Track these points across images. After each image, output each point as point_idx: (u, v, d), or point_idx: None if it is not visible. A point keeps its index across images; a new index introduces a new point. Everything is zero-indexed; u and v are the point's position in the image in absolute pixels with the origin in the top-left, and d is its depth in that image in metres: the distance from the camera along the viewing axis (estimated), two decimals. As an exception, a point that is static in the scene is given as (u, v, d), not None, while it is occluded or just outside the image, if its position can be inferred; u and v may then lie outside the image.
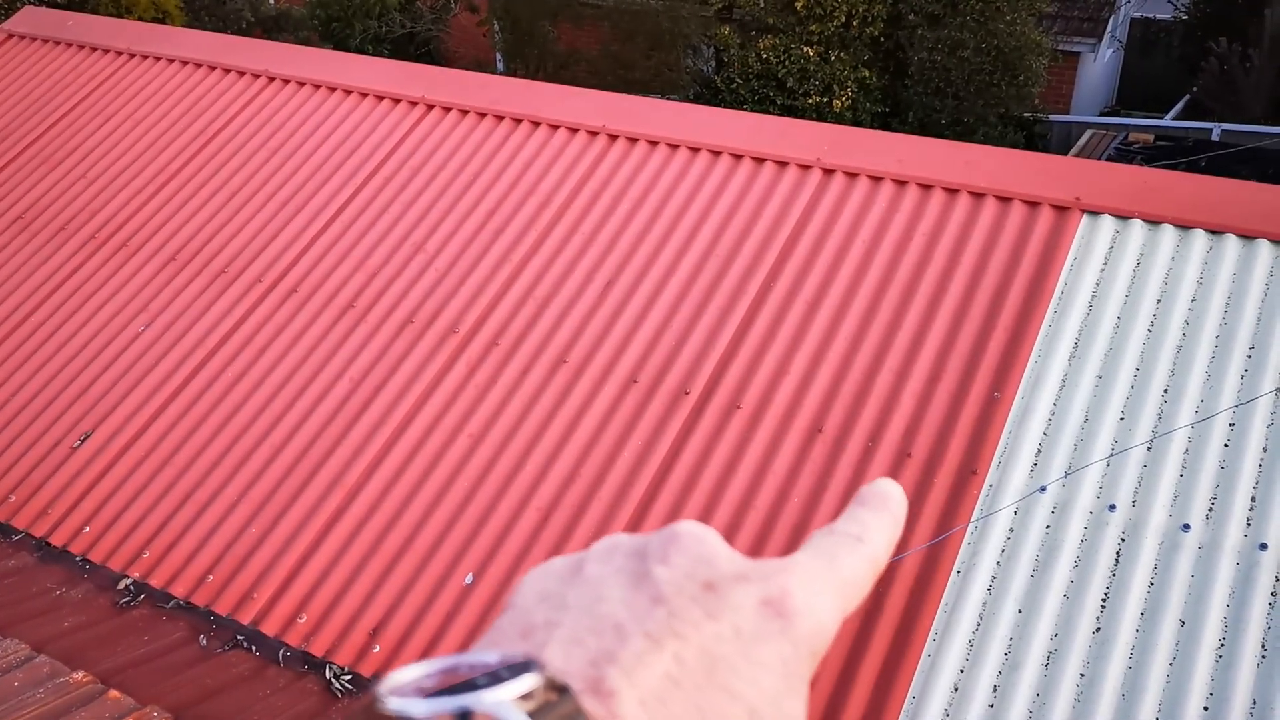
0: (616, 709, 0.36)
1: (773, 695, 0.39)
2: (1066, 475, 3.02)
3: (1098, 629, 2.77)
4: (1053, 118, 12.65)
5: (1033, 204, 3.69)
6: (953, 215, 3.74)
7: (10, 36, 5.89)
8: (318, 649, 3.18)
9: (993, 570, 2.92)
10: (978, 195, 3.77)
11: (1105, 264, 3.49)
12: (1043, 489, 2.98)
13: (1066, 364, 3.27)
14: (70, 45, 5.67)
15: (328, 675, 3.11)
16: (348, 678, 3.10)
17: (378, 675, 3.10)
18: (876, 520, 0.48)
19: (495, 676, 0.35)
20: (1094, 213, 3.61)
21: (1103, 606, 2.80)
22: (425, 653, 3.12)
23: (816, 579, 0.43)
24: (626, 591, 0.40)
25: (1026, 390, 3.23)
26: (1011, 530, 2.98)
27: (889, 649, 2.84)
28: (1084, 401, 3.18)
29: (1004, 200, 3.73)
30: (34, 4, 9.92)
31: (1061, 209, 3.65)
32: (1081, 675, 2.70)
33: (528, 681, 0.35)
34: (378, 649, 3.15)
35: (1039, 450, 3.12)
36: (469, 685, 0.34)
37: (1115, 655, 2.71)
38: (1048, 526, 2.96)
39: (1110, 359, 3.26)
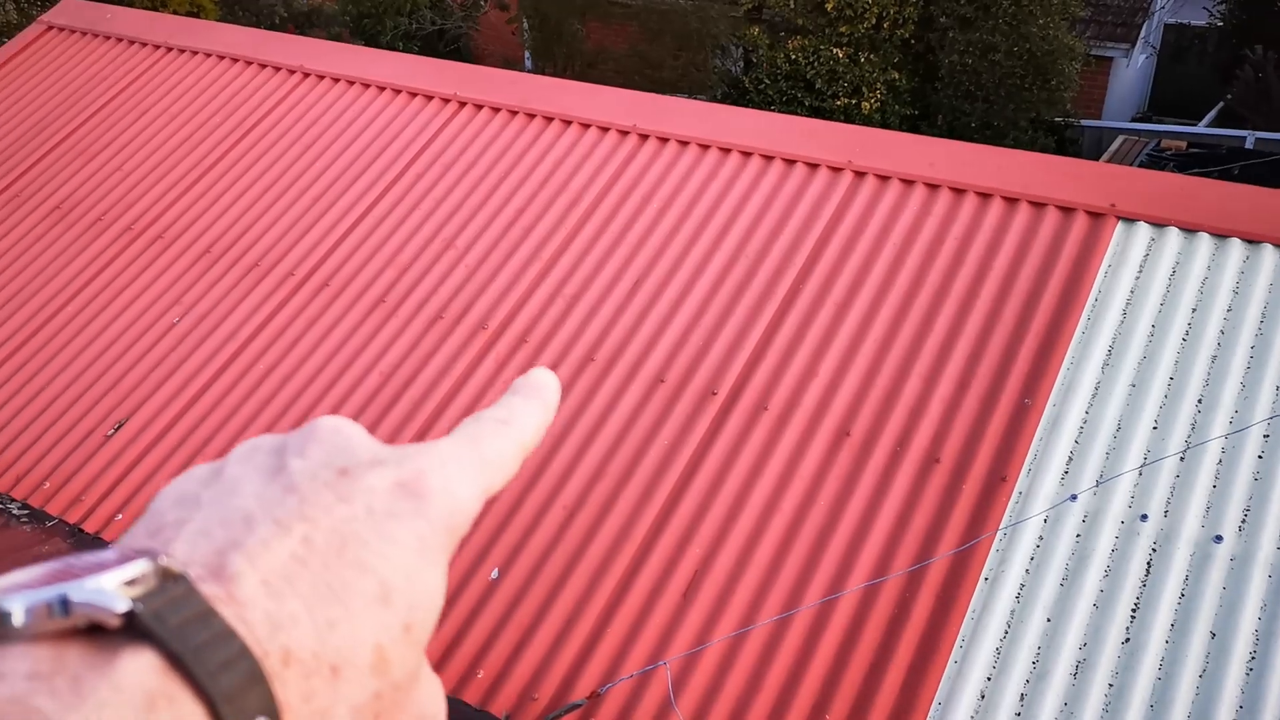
0: (236, 591, 0.36)
1: (407, 569, 0.40)
2: (1098, 484, 3.00)
3: (1127, 639, 2.75)
4: (1084, 123, 12.56)
5: (1067, 209, 3.67)
6: (985, 220, 3.73)
7: (50, 28, 5.96)
8: (344, 641, 3.20)
9: (1021, 578, 2.90)
10: (1011, 200, 3.75)
11: (1140, 271, 3.46)
12: (1074, 497, 2.96)
13: (1100, 371, 3.25)
14: (108, 38, 5.73)
15: (354, 667, 3.12)
16: (374, 670, 3.12)
17: (403, 668, 3.12)
18: (525, 406, 0.50)
19: (105, 568, 0.35)
20: (1129, 219, 3.59)
21: (1133, 617, 2.78)
22: (450, 647, 3.14)
23: (455, 460, 0.44)
24: (260, 485, 0.41)
25: (1058, 397, 3.21)
26: (1041, 538, 2.96)
27: (915, 655, 2.83)
28: (1117, 409, 3.16)
29: (1038, 205, 3.71)
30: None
31: (1096, 215, 3.63)
32: (1110, 685, 2.69)
33: (135, 568, 0.34)
34: (404, 642, 3.17)
35: (1070, 458, 3.10)
36: (76, 578, 0.34)
37: (1144, 666, 2.69)
38: (1078, 535, 2.95)
39: (1144, 367, 3.23)
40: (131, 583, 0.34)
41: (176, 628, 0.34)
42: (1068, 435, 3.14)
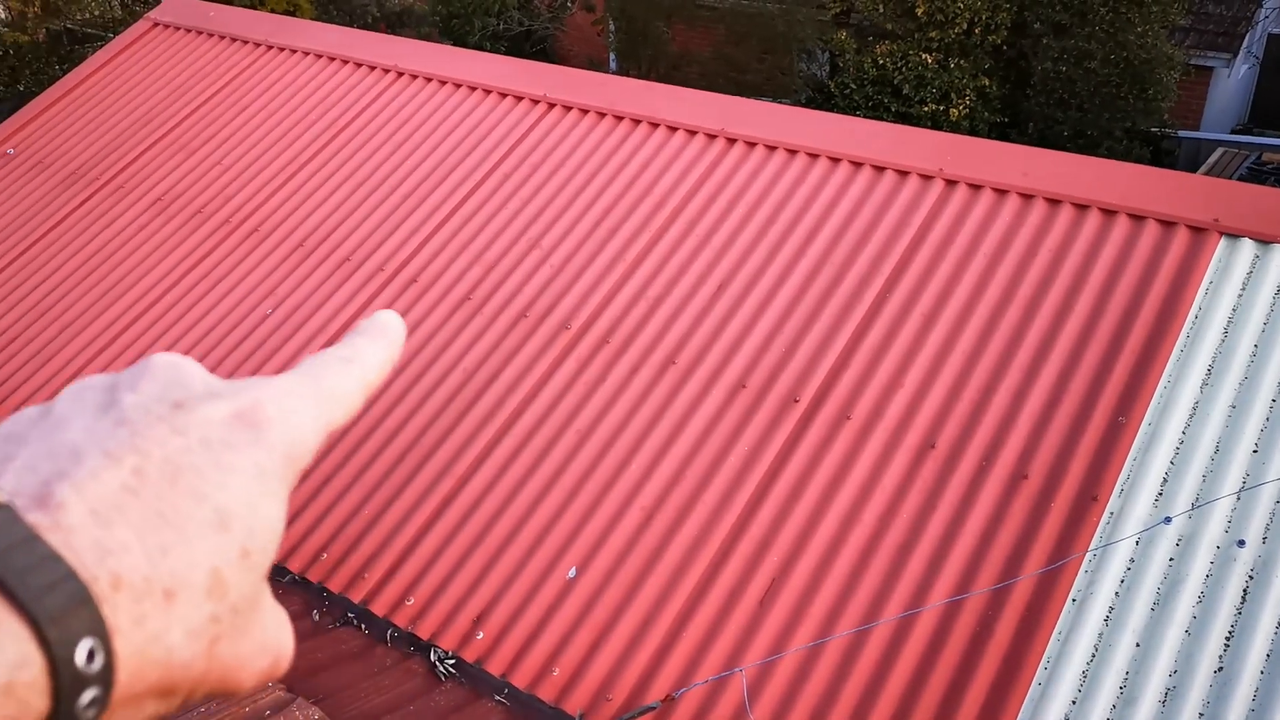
0: (63, 519, 0.36)
1: (245, 498, 0.40)
2: (1194, 507, 2.91)
3: (1220, 668, 2.67)
4: (1181, 134, 12.20)
5: (1168, 223, 3.56)
6: (1081, 232, 3.64)
7: (155, 25, 6.15)
8: (424, 631, 3.25)
9: (1111, 601, 2.83)
10: (1109, 212, 3.66)
11: (1243, 289, 3.35)
12: (1168, 520, 2.88)
13: (1198, 391, 3.15)
14: (210, 35, 5.90)
15: (432, 658, 3.17)
16: (451, 662, 3.16)
17: (480, 662, 3.16)
18: (369, 344, 0.50)
19: None
20: (1233, 235, 3.47)
21: (1226, 645, 2.70)
22: (527, 643, 3.17)
23: (293, 393, 0.44)
24: (90, 420, 0.40)
25: (1154, 417, 3.13)
26: (1132, 561, 2.88)
27: (997, 674, 2.78)
28: (1215, 431, 3.06)
29: (1137, 218, 3.61)
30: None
31: (1198, 230, 3.52)
32: (1200, 715, 2.61)
33: None
34: (481, 636, 3.21)
35: (1165, 480, 3.01)
36: None
37: (1237, 695, 2.60)
38: (1171, 559, 2.86)
39: (1245, 388, 3.13)
40: None
41: None
42: (1163, 456, 3.05)
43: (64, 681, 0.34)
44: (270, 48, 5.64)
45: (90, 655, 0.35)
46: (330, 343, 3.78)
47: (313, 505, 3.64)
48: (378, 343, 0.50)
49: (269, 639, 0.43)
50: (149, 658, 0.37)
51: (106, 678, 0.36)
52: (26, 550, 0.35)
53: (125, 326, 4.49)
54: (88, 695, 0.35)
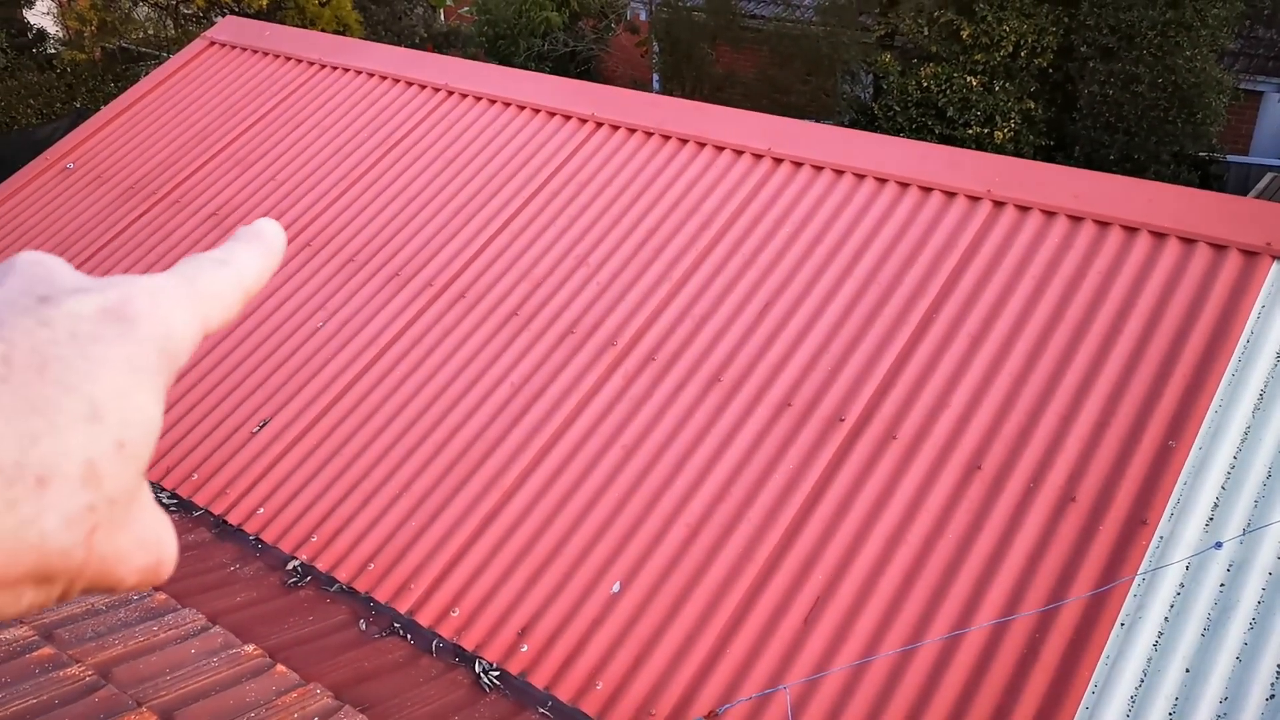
0: None
1: (116, 389, 0.40)
2: (1245, 532, 2.88)
3: (1272, 696, 2.63)
4: (1230, 158, 12.06)
5: (1219, 247, 3.54)
6: (1131, 254, 3.62)
7: (212, 44, 6.30)
8: (469, 643, 3.28)
9: (1160, 626, 2.80)
10: (1159, 235, 3.64)
11: (1297, 314, 3.32)
12: (1219, 545, 2.85)
13: (1250, 416, 3.12)
14: (266, 54, 6.03)
15: (477, 669, 3.20)
16: (496, 674, 3.19)
17: (524, 674, 3.18)
18: (245, 249, 0.50)
19: None
20: (1286, 260, 3.44)
21: (1279, 673, 2.66)
22: (571, 657, 3.19)
23: (165, 290, 0.44)
24: None
25: (1205, 440, 3.10)
26: (1182, 585, 2.86)
27: (1044, 698, 2.76)
28: (1267, 456, 3.03)
29: (1188, 242, 3.59)
30: (230, 15, 10.55)
31: (1250, 254, 3.49)
32: (1253, 743, 2.57)
33: None
34: (525, 648, 3.23)
35: (1215, 504, 2.98)
36: None
37: (1291, 726, 2.57)
38: (1222, 585, 2.83)
39: (1298, 414, 3.09)
40: None
41: None
42: (1214, 480, 3.02)
43: None
44: (323, 66, 5.75)
45: None
46: (379, 357, 3.83)
47: (361, 515, 3.70)
48: (253, 247, 0.51)
49: (148, 536, 0.43)
50: (24, 541, 0.37)
51: None
52: None
53: (180, 337, 4.58)
54: None
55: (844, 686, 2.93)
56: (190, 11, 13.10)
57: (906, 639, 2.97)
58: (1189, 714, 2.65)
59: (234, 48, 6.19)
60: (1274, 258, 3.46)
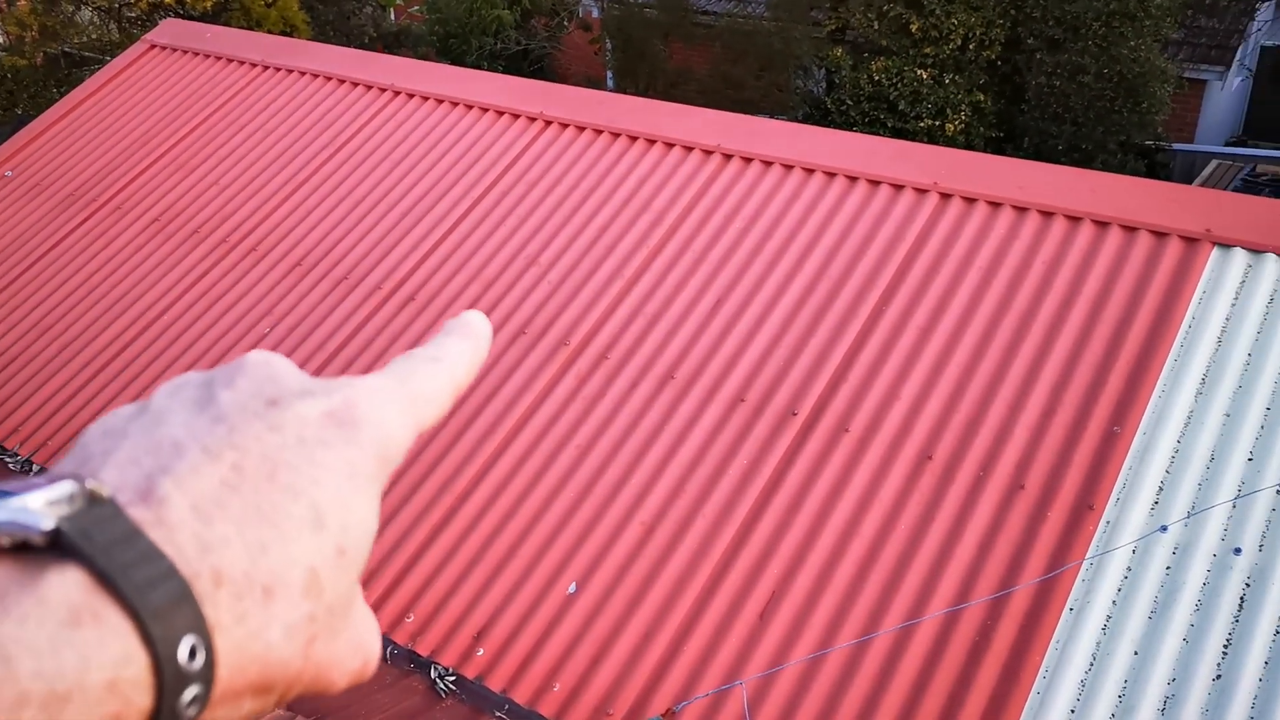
0: (166, 514, 0.36)
1: (339, 496, 0.40)
2: (1190, 516, 2.92)
3: (1218, 675, 2.67)
4: (1175, 147, 12.25)
5: (1160, 234, 3.59)
6: (1075, 243, 3.66)
7: (152, 47, 6.19)
8: (424, 648, 3.25)
9: (1108, 609, 2.84)
10: (1102, 224, 3.68)
11: (1236, 298, 3.37)
12: (1164, 529, 2.89)
13: (1193, 400, 3.17)
14: (208, 56, 5.94)
15: (432, 675, 3.17)
16: (452, 679, 3.16)
17: (481, 678, 3.16)
18: (456, 344, 0.50)
19: (32, 490, 0.34)
20: (1225, 245, 3.50)
21: (1224, 653, 2.70)
22: (527, 659, 3.17)
23: (384, 392, 0.45)
24: (189, 416, 0.40)
25: (1149, 426, 3.14)
26: (1129, 569, 2.89)
27: (996, 684, 2.78)
28: (1210, 440, 3.07)
29: (1130, 229, 3.64)
30: (174, 17, 10.40)
31: (1191, 240, 3.54)
32: (1200, 723, 2.61)
33: (61, 489, 0.34)
34: (481, 652, 3.21)
35: (1160, 488, 3.02)
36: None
37: (1236, 703, 2.61)
38: (1168, 568, 2.87)
39: (1239, 397, 3.14)
40: (59, 504, 0.34)
41: (103, 546, 0.34)
42: (1158, 465, 3.06)
43: (167, 678, 0.34)
44: (267, 68, 5.68)
45: (192, 652, 0.35)
46: (328, 362, 3.79)
47: (312, 522, 3.65)
48: (465, 342, 0.51)
49: (361, 639, 0.43)
50: (249, 654, 0.37)
51: (208, 675, 0.36)
52: (130, 546, 0.35)
53: (124, 345, 4.50)
54: (189, 692, 0.35)
55: (800, 680, 2.93)
56: (134, 15, 12.89)
57: (861, 630, 2.98)
58: (1138, 696, 2.68)
59: (175, 50, 6.09)
60: (1214, 244, 3.52)
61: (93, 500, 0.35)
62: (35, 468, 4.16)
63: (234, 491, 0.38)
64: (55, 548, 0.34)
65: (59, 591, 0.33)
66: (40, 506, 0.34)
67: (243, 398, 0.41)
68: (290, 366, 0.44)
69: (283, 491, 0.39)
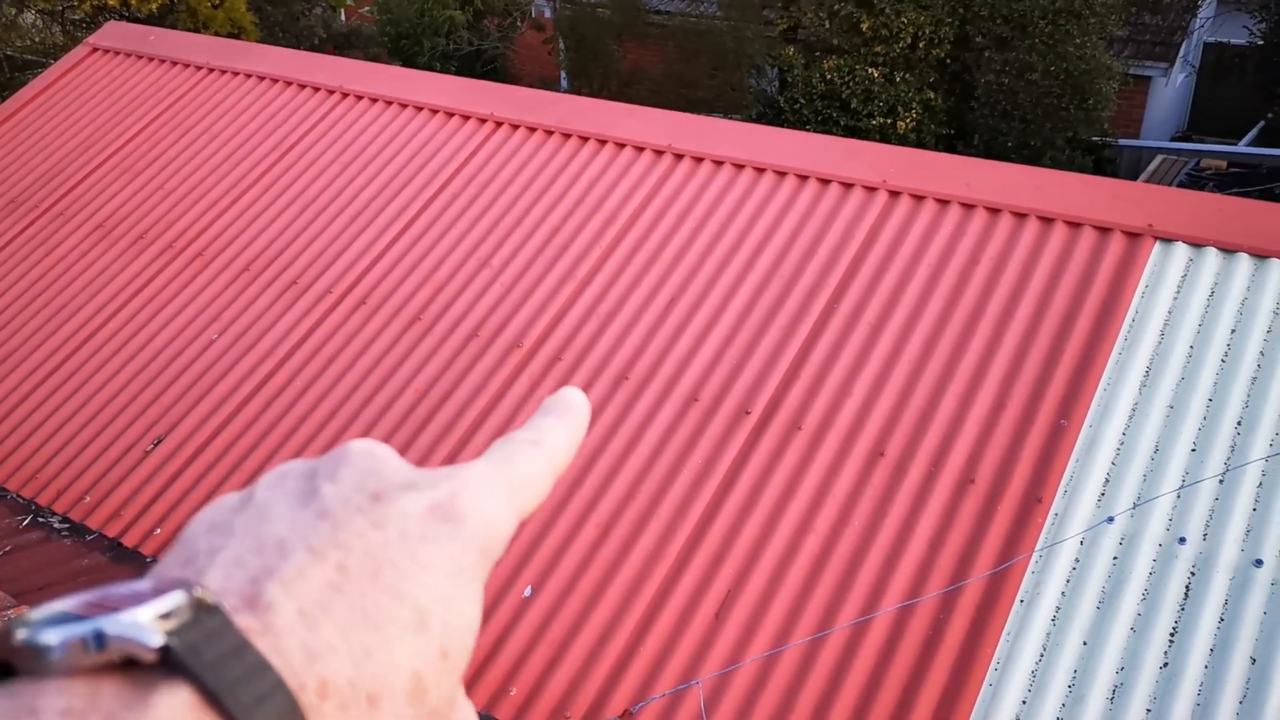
0: (273, 621, 0.36)
1: (442, 595, 0.39)
2: (1135, 506, 2.97)
3: (1165, 664, 2.72)
4: (1122, 142, 12.45)
5: (1104, 230, 3.64)
6: (1021, 239, 3.71)
7: (95, 50, 6.09)
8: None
9: (1057, 601, 2.87)
10: (1047, 220, 3.73)
11: (1178, 292, 3.43)
12: (1110, 520, 2.93)
13: (1137, 393, 3.22)
14: (152, 59, 5.85)
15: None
16: (406, 686, 3.13)
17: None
18: (556, 425, 0.49)
19: (140, 600, 0.34)
20: (1167, 240, 3.56)
21: (1171, 641, 2.75)
22: (484, 663, 3.15)
23: (487, 482, 0.44)
24: (293, 510, 0.40)
25: (1095, 419, 3.19)
26: (1077, 561, 2.93)
27: (949, 677, 2.81)
28: (1154, 432, 3.12)
29: (1074, 225, 3.69)
30: (119, 20, 10.23)
31: (1134, 235, 3.60)
32: (1148, 710, 2.65)
33: (171, 600, 0.34)
34: (436, 658, 3.18)
35: (1107, 480, 3.07)
36: (110, 611, 0.34)
37: (1183, 691, 2.65)
38: (1115, 558, 2.91)
39: (1182, 389, 3.20)
40: (166, 615, 0.34)
41: (212, 662, 0.34)
42: (1104, 457, 3.11)
43: None
44: (213, 70, 5.60)
45: None
46: (278, 368, 3.74)
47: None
48: (564, 423, 0.50)
49: None
50: None
51: None
52: (238, 659, 0.34)
53: (68, 355, 4.42)
54: None
55: (756, 678, 2.94)
56: (79, 18, 12.67)
57: (816, 627, 2.99)
58: (1087, 685, 2.72)
59: (119, 54, 5.99)
60: (1156, 238, 3.57)
61: (200, 609, 0.35)
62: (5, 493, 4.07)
63: (338, 593, 0.37)
64: (165, 663, 0.34)
65: (169, 713, 0.33)
66: (150, 621, 0.33)
67: (346, 491, 0.41)
68: (393, 456, 0.44)
69: (386, 593, 0.38)
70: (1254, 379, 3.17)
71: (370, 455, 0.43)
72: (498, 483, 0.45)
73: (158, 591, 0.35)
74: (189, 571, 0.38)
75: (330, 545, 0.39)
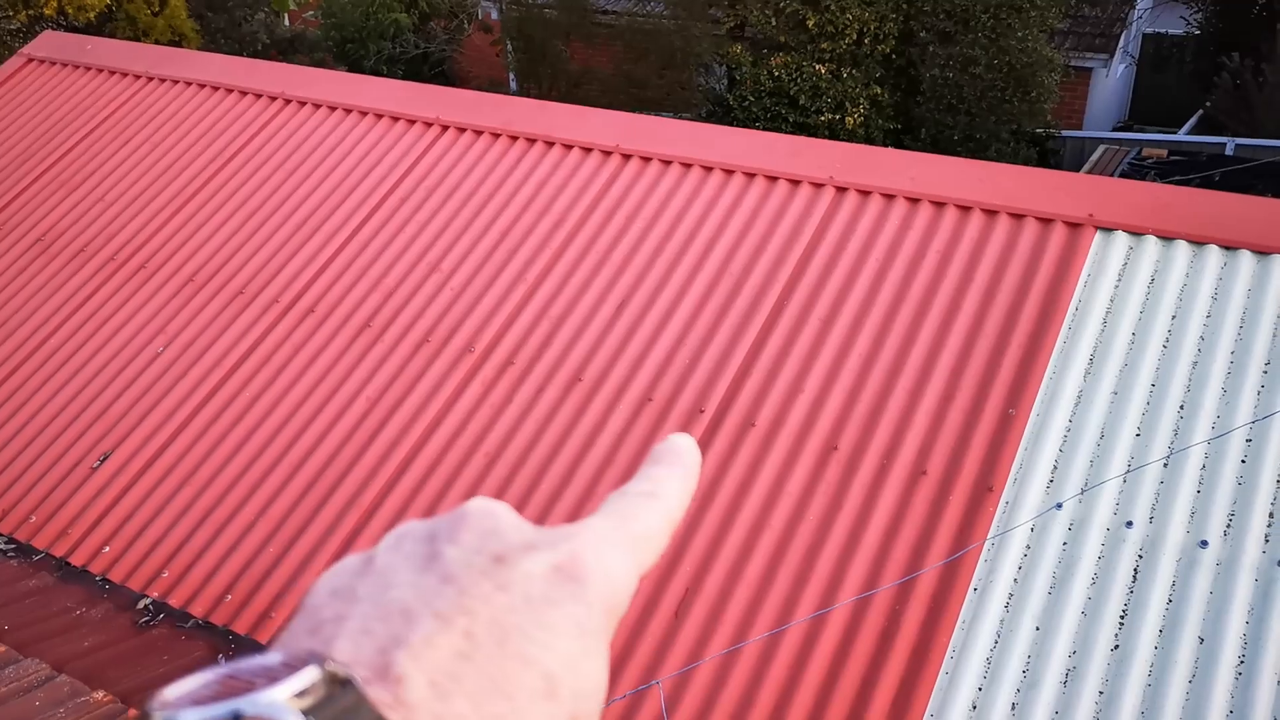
0: (404, 694, 0.35)
1: (568, 658, 0.39)
2: (1083, 492, 3.01)
3: (1116, 646, 2.76)
4: (1065, 133, 12.65)
5: (1046, 221, 3.69)
6: (966, 232, 3.75)
7: (30, 60, 5.97)
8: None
9: (1010, 588, 2.91)
10: (991, 212, 3.78)
11: (1119, 280, 3.49)
12: (1059, 506, 2.97)
13: (1082, 380, 3.27)
14: (89, 69, 5.74)
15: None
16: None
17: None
18: (669, 475, 0.49)
19: (274, 677, 0.34)
20: (1107, 229, 3.62)
21: (1121, 624, 2.79)
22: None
23: (607, 539, 0.44)
24: (416, 575, 0.40)
25: (1042, 407, 3.23)
26: (1029, 547, 2.97)
27: (906, 667, 2.83)
28: (1100, 418, 3.18)
29: (1017, 217, 3.74)
30: (54, 29, 10.05)
31: (1075, 225, 3.65)
32: (1100, 693, 2.69)
33: (305, 677, 0.34)
34: (394, 668, 3.16)
35: (1055, 467, 3.11)
36: (245, 689, 0.33)
37: (1134, 673, 2.70)
38: (1065, 543, 2.96)
39: (1125, 375, 3.25)
40: (301, 693, 0.34)
41: None
42: (1052, 444, 3.15)
43: None
44: (151, 79, 5.51)
45: None
46: (226, 378, 3.69)
47: (215, 546, 3.55)
48: (675, 471, 0.49)
49: None
50: None
51: None
52: None
53: (9, 372, 4.33)
54: None
55: (716, 675, 2.95)
56: (14, 28, 12.41)
57: (774, 622, 3.01)
58: (1041, 670, 2.75)
59: (54, 64, 5.88)
60: (1097, 228, 3.63)
61: (333, 683, 0.34)
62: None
63: (467, 661, 0.37)
64: None
65: None
66: (286, 700, 0.33)
67: (468, 553, 0.40)
68: (511, 515, 0.43)
69: (514, 659, 0.38)
70: (1194, 364, 3.23)
71: (489, 515, 0.43)
72: (618, 539, 0.44)
73: (289, 666, 0.34)
74: (316, 641, 0.38)
75: (456, 611, 0.38)
